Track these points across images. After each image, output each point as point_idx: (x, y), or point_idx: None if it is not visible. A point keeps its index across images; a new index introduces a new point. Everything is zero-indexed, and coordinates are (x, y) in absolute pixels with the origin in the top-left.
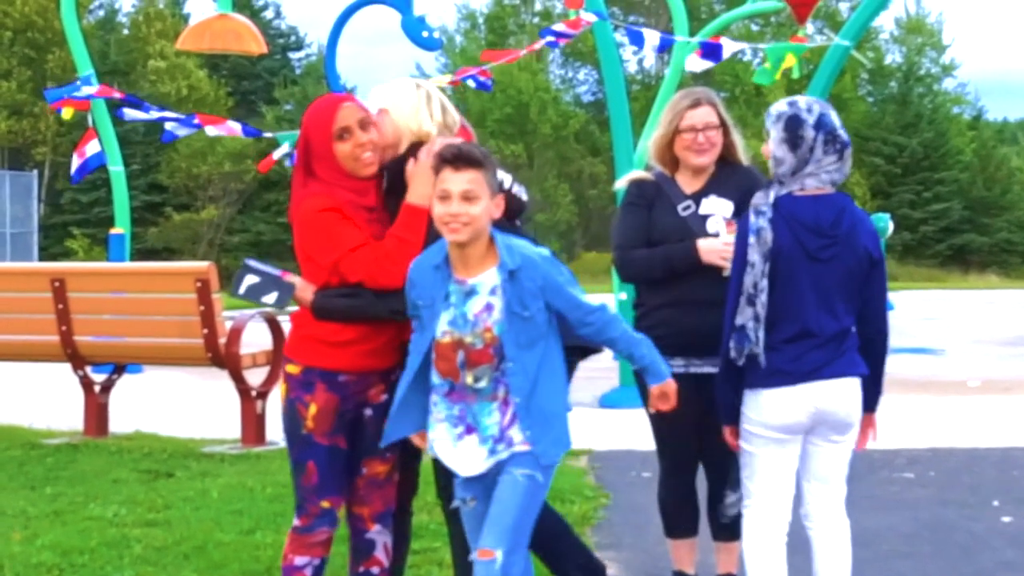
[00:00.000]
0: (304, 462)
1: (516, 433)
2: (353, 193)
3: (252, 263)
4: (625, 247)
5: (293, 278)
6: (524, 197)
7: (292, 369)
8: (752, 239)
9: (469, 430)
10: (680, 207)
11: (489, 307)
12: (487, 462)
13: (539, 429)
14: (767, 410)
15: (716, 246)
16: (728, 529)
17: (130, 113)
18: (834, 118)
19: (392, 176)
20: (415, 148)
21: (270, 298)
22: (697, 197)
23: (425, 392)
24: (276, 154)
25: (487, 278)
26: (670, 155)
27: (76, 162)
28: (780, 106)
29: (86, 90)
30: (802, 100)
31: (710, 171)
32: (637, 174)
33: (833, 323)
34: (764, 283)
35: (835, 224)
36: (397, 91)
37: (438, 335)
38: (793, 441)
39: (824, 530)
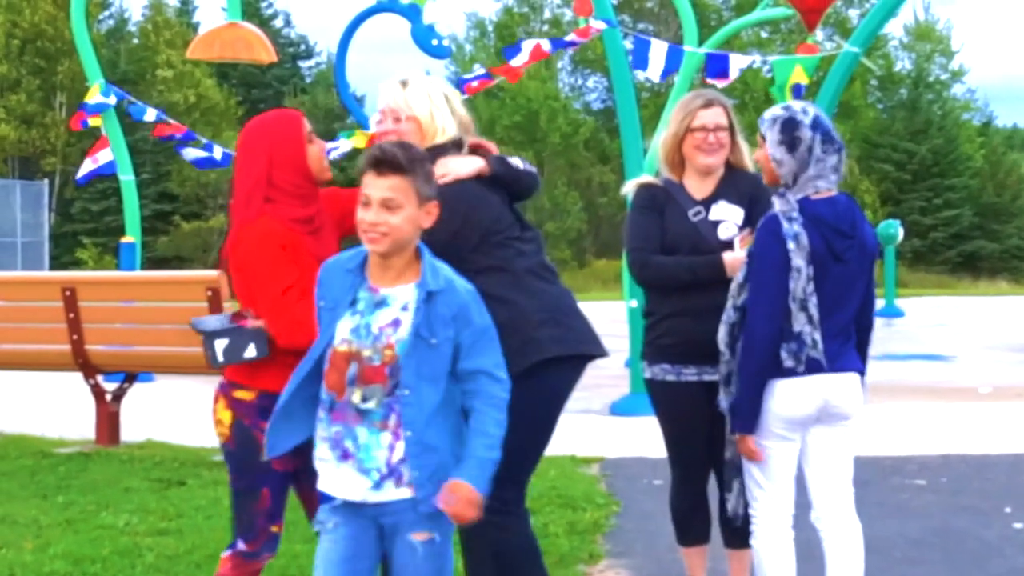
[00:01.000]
0: (258, 489)
1: (406, 470)
2: (301, 204)
3: (204, 327)
4: (644, 250)
5: (252, 321)
6: (532, 169)
7: (244, 395)
8: (792, 245)
9: (345, 455)
10: (690, 212)
11: (396, 322)
12: (371, 494)
13: (427, 473)
14: (779, 401)
15: (740, 260)
16: (740, 536)
17: (190, 154)
18: (827, 120)
19: None
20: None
21: (250, 351)
22: (707, 203)
23: (311, 401)
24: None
25: (402, 293)
26: (679, 156)
27: (88, 166)
28: (775, 111)
29: (166, 128)
30: (796, 104)
31: (718, 176)
32: (645, 179)
33: (842, 318)
34: (811, 287)
35: (852, 225)
36: (419, 96)
37: (336, 342)
38: (797, 436)
39: (836, 532)
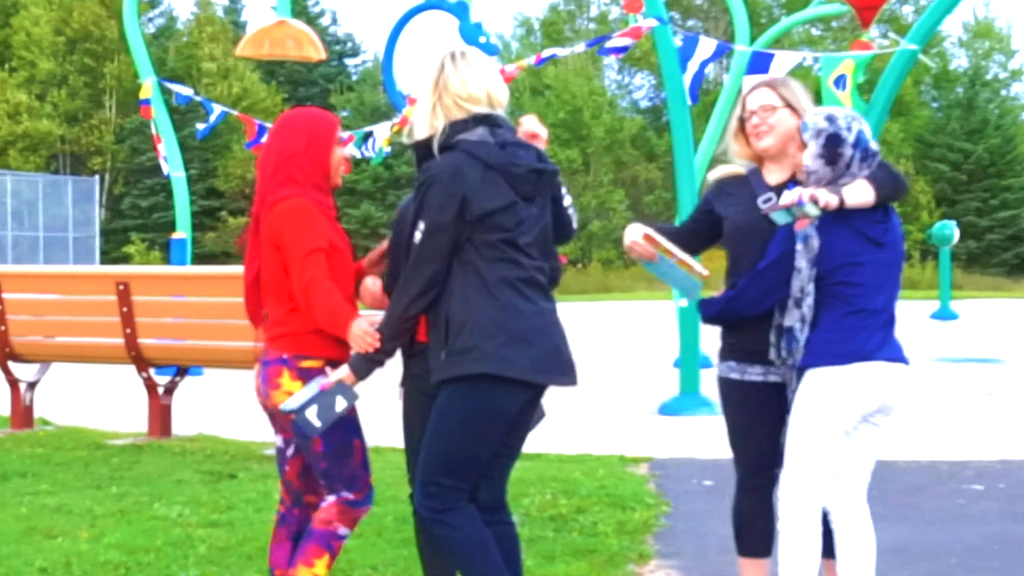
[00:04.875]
0: (351, 442)
1: None
2: (323, 194)
3: (293, 406)
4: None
5: (330, 377)
6: (574, 224)
7: (312, 364)
8: (800, 246)
9: None
10: (760, 199)
11: None
12: None
13: None
14: (848, 387)
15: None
16: (828, 545)
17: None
18: (867, 131)
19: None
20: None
21: (340, 404)
22: (780, 190)
23: None
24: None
25: None
26: (748, 148)
27: (165, 166)
28: (819, 121)
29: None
30: (841, 116)
31: (794, 161)
32: (727, 169)
33: (885, 304)
34: (811, 287)
35: (885, 210)
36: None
37: None
38: (852, 424)
39: (849, 522)
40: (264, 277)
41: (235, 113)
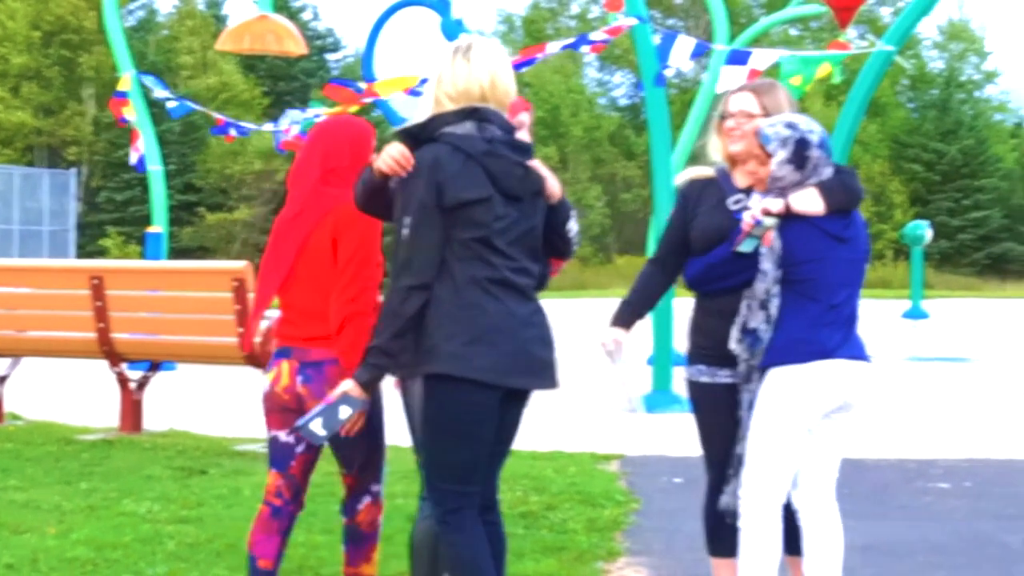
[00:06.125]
0: (383, 435)
1: None
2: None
3: (302, 420)
4: (655, 254)
5: (335, 392)
6: (574, 246)
7: None
8: (763, 249)
9: None
10: (730, 200)
11: None
12: None
13: None
14: (810, 385)
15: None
16: (728, 542)
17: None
18: (826, 133)
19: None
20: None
21: (344, 412)
22: (750, 191)
23: None
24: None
25: None
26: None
27: (134, 156)
28: (780, 129)
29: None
30: (802, 122)
31: (757, 176)
32: (695, 172)
33: (848, 301)
34: (776, 289)
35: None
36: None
37: None
38: (811, 422)
39: (817, 519)
40: (306, 272)
41: (204, 110)
